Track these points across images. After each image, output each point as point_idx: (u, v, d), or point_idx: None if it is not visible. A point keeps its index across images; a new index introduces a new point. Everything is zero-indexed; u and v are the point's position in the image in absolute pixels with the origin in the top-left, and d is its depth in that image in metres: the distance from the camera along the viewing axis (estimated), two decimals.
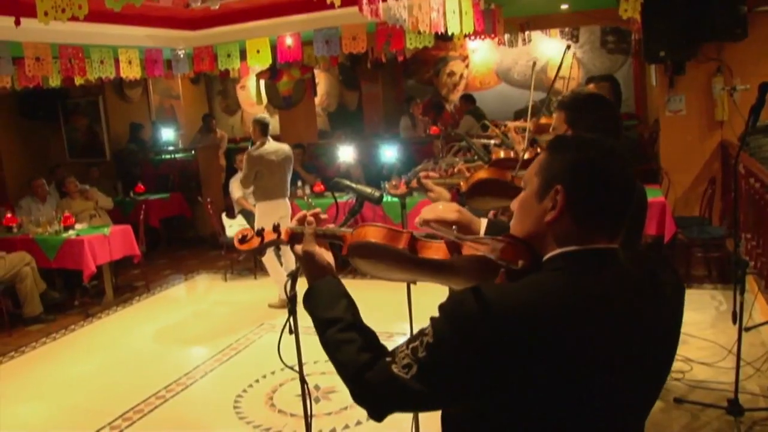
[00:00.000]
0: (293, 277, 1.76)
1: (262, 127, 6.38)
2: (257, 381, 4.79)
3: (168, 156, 10.67)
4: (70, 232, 6.80)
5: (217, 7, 4.40)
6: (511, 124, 4.93)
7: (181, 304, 7.18)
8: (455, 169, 2.49)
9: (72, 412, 4.61)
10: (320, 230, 1.58)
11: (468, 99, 10.08)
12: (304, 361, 5.11)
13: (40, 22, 2.40)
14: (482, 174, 2.20)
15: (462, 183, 2.22)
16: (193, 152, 10.28)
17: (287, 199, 6.54)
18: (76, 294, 7.23)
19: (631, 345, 1.22)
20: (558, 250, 1.25)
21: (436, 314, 1.23)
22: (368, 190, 1.78)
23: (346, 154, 8.35)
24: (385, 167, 8.61)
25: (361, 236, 1.52)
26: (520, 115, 8.15)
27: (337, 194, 2.07)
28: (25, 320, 6.49)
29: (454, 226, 1.61)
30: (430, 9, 3.65)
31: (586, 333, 1.16)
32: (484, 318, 1.14)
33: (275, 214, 6.25)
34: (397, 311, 3.64)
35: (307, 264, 1.55)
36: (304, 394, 1.98)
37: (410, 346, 1.24)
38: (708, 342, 4.72)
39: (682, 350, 4.61)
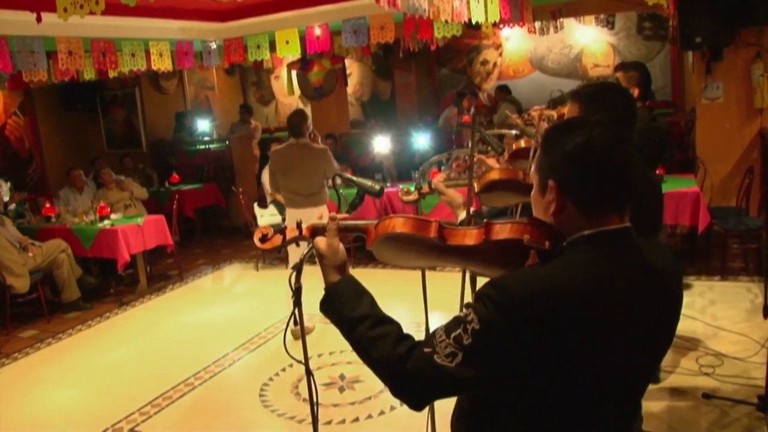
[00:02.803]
0: (298, 269, 1.76)
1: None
2: (284, 370, 4.84)
3: (203, 146, 10.81)
4: (105, 221, 6.95)
5: None
6: (534, 112, 4.85)
7: (213, 293, 7.29)
8: (467, 163, 2.46)
9: (104, 397, 4.73)
10: (343, 224, 1.60)
11: (503, 89, 9.98)
12: (330, 350, 5.15)
13: (60, 18, 2.45)
14: (494, 175, 2.19)
15: (475, 183, 2.19)
16: (227, 142, 10.40)
17: (307, 209, 5.32)
18: (111, 282, 7.40)
19: (641, 319, 1.32)
20: (575, 235, 1.33)
21: (473, 302, 1.30)
22: (368, 183, 1.78)
23: (378, 144, 8.34)
24: (418, 156, 8.59)
25: (388, 228, 1.53)
26: (554, 104, 8.03)
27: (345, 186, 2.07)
28: (64, 306, 6.67)
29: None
30: None
31: (609, 309, 1.27)
32: (530, 302, 1.21)
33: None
34: (402, 299, 3.96)
35: (330, 259, 1.55)
36: (310, 386, 1.98)
37: (452, 335, 1.27)
38: (741, 336, 4.61)
39: (713, 344, 4.51)
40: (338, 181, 2.14)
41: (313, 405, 2.00)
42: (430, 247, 1.51)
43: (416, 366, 1.31)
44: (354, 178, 1.84)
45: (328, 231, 1.58)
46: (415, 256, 1.58)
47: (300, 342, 1.97)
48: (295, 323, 1.84)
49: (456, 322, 1.29)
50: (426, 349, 1.30)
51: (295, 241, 1.70)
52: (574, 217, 1.33)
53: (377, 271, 7.14)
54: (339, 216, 1.63)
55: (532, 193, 1.43)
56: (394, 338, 1.38)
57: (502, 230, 1.41)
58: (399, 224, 1.51)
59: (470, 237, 1.47)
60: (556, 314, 1.21)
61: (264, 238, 1.69)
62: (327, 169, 5.43)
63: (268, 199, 8.09)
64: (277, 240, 1.68)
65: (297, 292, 1.79)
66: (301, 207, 5.43)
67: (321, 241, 1.58)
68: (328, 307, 1.51)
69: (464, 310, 1.30)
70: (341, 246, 1.57)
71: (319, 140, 5.78)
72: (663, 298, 1.37)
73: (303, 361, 1.96)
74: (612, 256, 1.31)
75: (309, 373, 1.98)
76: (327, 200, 5.66)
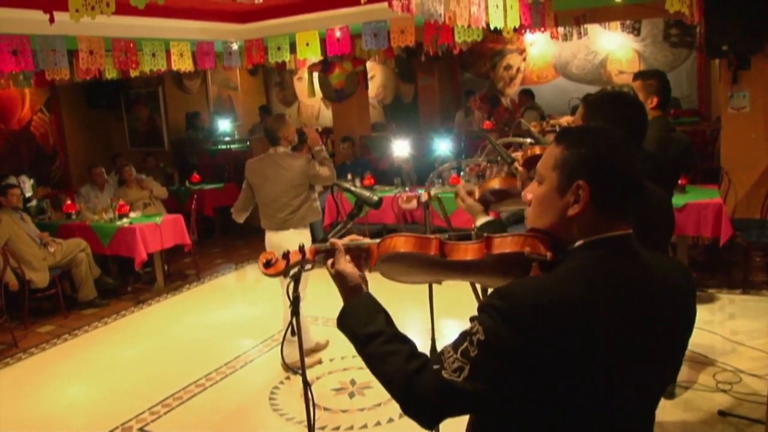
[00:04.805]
0: (296, 278, 1.75)
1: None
2: (295, 374, 4.82)
3: (224, 146, 10.86)
4: (124, 220, 7.01)
5: (260, 0, 4.42)
6: (563, 119, 4.79)
7: (230, 294, 7.31)
8: (480, 168, 2.43)
9: (116, 395, 4.75)
10: (345, 244, 1.62)
11: (527, 94, 9.89)
12: (342, 355, 5.12)
13: (72, 19, 2.47)
14: (495, 183, 2.16)
15: (476, 189, 2.17)
16: (248, 143, 10.44)
17: (288, 232, 4.85)
18: (129, 280, 7.46)
19: (648, 325, 1.30)
20: (583, 240, 1.32)
21: (476, 314, 1.28)
22: (366, 193, 1.76)
23: (398, 147, 8.31)
24: (438, 161, 8.54)
25: (390, 248, 1.55)
26: (574, 111, 7.93)
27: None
28: (80, 304, 6.74)
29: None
30: (469, 3, 3.56)
31: (615, 316, 1.25)
32: (536, 312, 1.20)
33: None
34: (415, 305, 3.33)
35: (340, 283, 1.57)
36: (307, 396, 1.96)
37: (459, 349, 1.27)
38: (761, 352, 4.50)
39: (731, 360, 4.41)
40: (335, 190, 2.11)
41: (310, 416, 1.98)
42: (432, 264, 1.53)
43: (425, 383, 1.31)
44: (352, 188, 1.81)
45: (335, 256, 1.59)
46: (419, 273, 1.60)
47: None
48: (293, 333, 1.82)
49: (462, 337, 1.29)
50: (434, 366, 1.30)
51: (300, 264, 1.70)
52: (591, 220, 1.32)
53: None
54: (345, 240, 1.64)
55: (541, 192, 1.38)
56: (405, 356, 1.38)
57: (503, 244, 1.42)
58: (401, 243, 1.53)
59: (471, 252, 1.49)
60: (561, 324, 1.21)
61: (268, 264, 1.70)
62: (314, 181, 4.83)
63: None
64: (281, 265, 1.68)
65: (295, 302, 1.78)
66: (279, 229, 4.85)
67: (330, 267, 1.60)
68: (343, 324, 1.53)
69: (470, 323, 1.29)
70: (350, 268, 1.57)
71: (338, 148, 5.31)
72: (671, 305, 1.36)
73: (301, 372, 1.95)
74: (616, 262, 1.31)
75: (306, 383, 1.97)
76: (316, 219, 5.06)
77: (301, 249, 1.68)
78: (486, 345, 1.23)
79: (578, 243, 1.33)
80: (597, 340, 1.22)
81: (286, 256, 1.69)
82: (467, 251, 1.49)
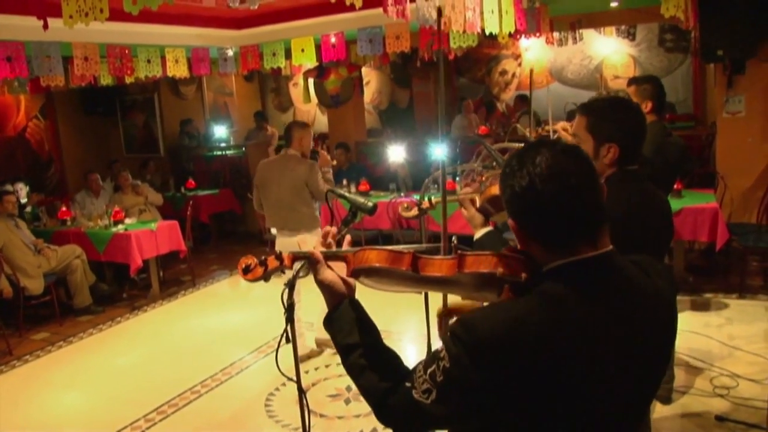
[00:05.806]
0: (290, 285, 1.73)
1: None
2: (291, 380, 4.79)
3: (220, 152, 10.86)
4: (119, 226, 6.99)
5: (255, 7, 4.41)
6: (559, 125, 4.79)
7: (225, 300, 7.29)
8: (480, 177, 2.43)
9: (111, 402, 4.73)
10: (323, 253, 1.60)
11: (523, 99, 9.88)
12: (337, 361, 5.08)
13: (65, 25, 2.46)
14: (495, 190, 2.13)
15: (477, 197, 2.15)
16: (243, 149, 10.43)
17: (300, 235, 4.85)
18: (125, 287, 7.44)
19: (623, 347, 1.26)
20: (550, 264, 1.28)
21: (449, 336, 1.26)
22: (360, 199, 1.75)
23: (393, 153, 8.31)
24: (434, 166, 8.52)
25: (363, 261, 1.54)
26: (572, 115, 7.93)
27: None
28: (75, 311, 6.71)
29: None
30: (464, 8, 3.57)
31: (582, 342, 1.21)
32: (496, 343, 1.18)
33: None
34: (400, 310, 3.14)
35: (324, 291, 1.56)
36: (302, 403, 1.95)
37: (428, 371, 1.27)
38: (758, 357, 4.49)
39: (728, 365, 4.40)
40: (330, 196, 2.11)
41: (306, 423, 1.97)
42: (406, 278, 1.51)
43: (397, 401, 1.33)
44: (346, 195, 1.81)
45: (318, 266, 1.56)
46: (396, 284, 1.59)
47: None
48: (288, 340, 1.81)
49: (433, 358, 1.28)
50: (407, 384, 1.32)
51: (278, 271, 1.68)
52: (540, 253, 1.29)
53: None
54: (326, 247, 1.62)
55: None
56: (381, 370, 1.40)
57: (476, 263, 1.39)
58: (373, 257, 1.51)
59: (444, 268, 1.46)
60: (524, 354, 1.18)
61: (247, 269, 1.68)
62: (310, 184, 4.89)
63: None
64: (259, 271, 1.66)
65: (289, 309, 1.76)
66: (283, 229, 4.96)
67: (314, 276, 1.59)
68: (327, 331, 1.54)
69: (441, 344, 1.29)
70: (331, 276, 1.55)
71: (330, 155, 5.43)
72: (650, 322, 1.31)
73: (295, 379, 1.93)
74: (587, 286, 1.25)
75: (301, 390, 1.96)
76: (318, 225, 5.06)
77: (278, 256, 1.66)
78: (450, 373, 1.23)
79: (547, 267, 1.29)
80: (565, 370, 1.19)
81: (263, 262, 1.67)
82: (441, 267, 1.47)
